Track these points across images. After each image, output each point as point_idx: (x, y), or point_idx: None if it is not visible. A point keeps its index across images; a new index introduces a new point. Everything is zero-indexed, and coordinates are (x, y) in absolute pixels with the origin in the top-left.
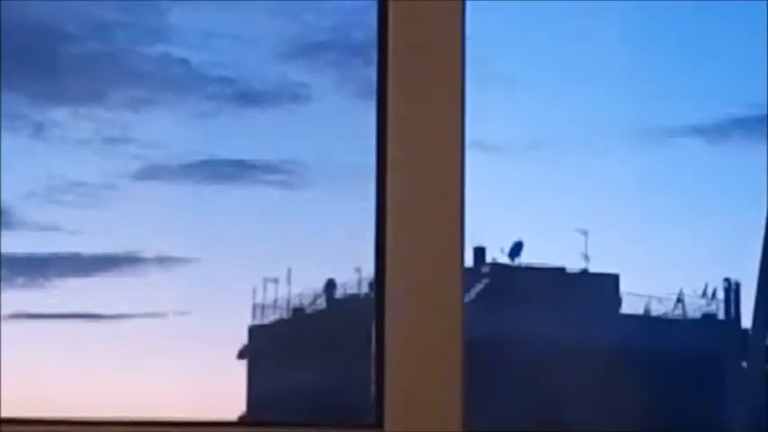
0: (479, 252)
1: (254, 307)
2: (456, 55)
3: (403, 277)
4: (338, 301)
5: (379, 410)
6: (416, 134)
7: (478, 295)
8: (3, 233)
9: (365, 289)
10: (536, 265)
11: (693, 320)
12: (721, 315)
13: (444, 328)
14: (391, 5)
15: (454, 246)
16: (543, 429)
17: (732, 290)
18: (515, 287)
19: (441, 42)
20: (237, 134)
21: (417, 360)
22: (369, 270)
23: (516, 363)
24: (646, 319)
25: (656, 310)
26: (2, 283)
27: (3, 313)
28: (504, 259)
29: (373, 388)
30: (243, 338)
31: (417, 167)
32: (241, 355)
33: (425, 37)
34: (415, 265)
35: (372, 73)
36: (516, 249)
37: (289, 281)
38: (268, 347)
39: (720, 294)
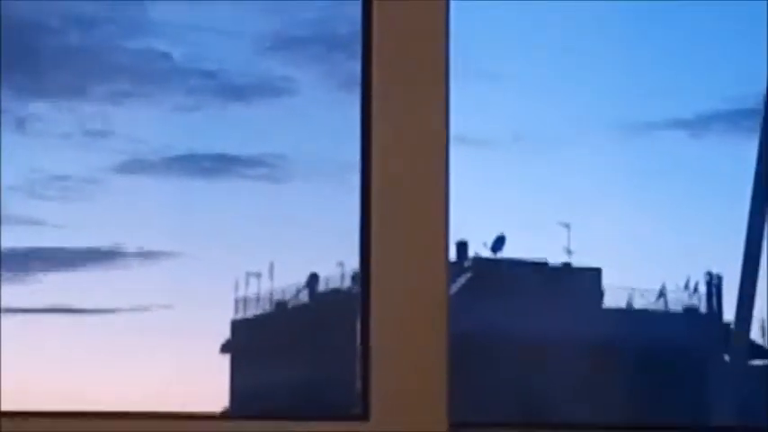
0: (462, 246)
1: (237, 301)
2: (440, 48)
3: (388, 270)
4: (321, 294)
5: (365, 403)
6: (400, 128)
7: (461, 289)
8: None
9: (348, 283)
10: (519, 259)
11: (675, 314)
12: (703, 308)
13: (429, 320)
14: (375, 14)
15: (439, 239)
16: (527, 421)
17: (714, 283)
18: (498, 281)
19: (424, 35)
20: (220, 128)
21: (403, 352)
22: (352, 264)
23: (498, 356)
24: (628, 313)
25: (639, 303)
26: None
27: None
28: (486, 253)
29: (359, 380)
30: (226, 332)
31: (402, 161)
32: (224, 348)
33: (409, 30)
34: (400, 259)
35: (356, 66)
36: (499, 243)
37: (271, 275)
38: (251, 341)
39: (702, 288)
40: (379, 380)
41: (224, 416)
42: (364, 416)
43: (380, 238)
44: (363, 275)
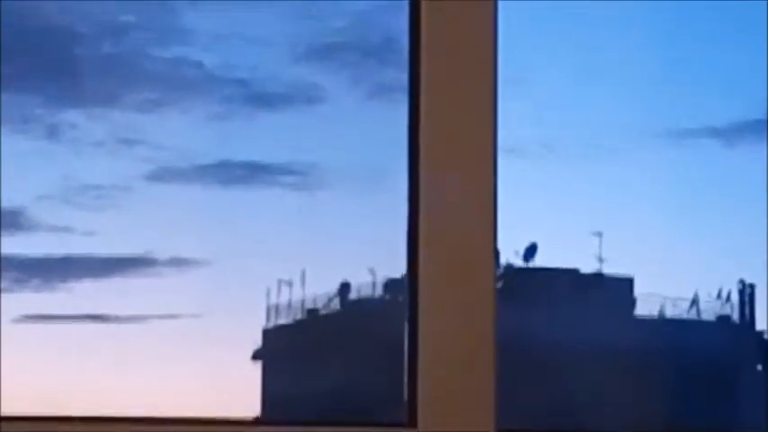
0: (494, 255)
1: (269, 309)
2: (488, 56)
3: (436, 278)
4: (352, 302)
5: (412, 410)
6: (449, 134)
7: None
8: (17, 235)
9: (379, 291)
10: (550, 268)
11: (708, 323)
12: (736, 317)
13: (476, 328)
14: (423, 4)
15: (487, 247)
16: (569, 430)
17: (747, 292)
18: (530, 290)
19: (472, 41)
20: (251, 136)
21: (450, 359)
22: (383, 272)
23: (530, 364)
24: (660, 322)
25: (671, 312)
26: (15, 285)
27: (16, 315)
28: (518, 262)
29: (406, 388)
30: (257, 340)
31: (450, 167)
32: (255, 356)
33: (457, 36)
34: (447, 266)
35: (386, 74)
36: (530, 252)
37: (303, 283)
38: (282, 349)
39: (735, 297)
40: (426, 387)
41: (274, 421)
42: (411, 423)
43: (428, 248)
44: (411, 284)
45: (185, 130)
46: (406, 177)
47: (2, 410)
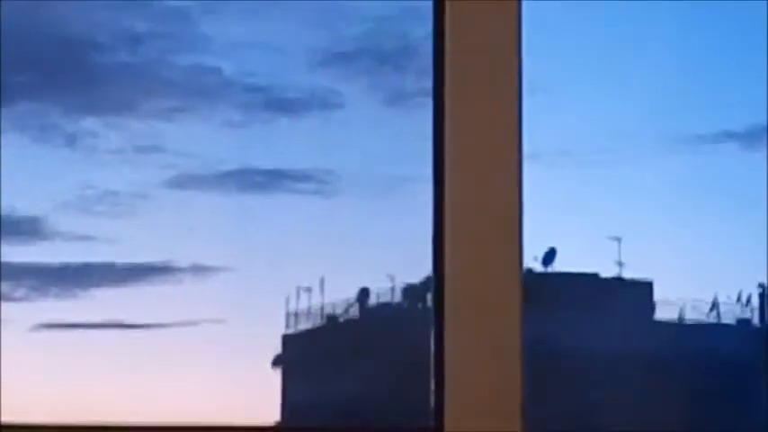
0: (520, 258)
1: (288, 315)
2: (512, 59)
3: (462, 283)
4: (371, 308)
5: (439, 415)
6: (474, 139)
7: None
8: (37, 244)
9: (398, 297)
10: (569, 272)
11: (728, 326)
12: (756, 321)
13: (503, 333)
14: (448, 7)
15: (513, 251)
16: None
17: (766, 295)
18: (549, 294)
19: (496, 45)
20: (270, 142)
21: (477, 364)
22: (402, 278)
23: (550, 369)
24: (680, 325)
25: (691, 316)
26: (35, 294)
27: (37, 323)
28: (537, 267)
29: (432, 394)
30: (277, 347)
31: (475, 172)
32: (275, 363)
33: (481, 39)
34: (473, 271)
35: (402, 81)
36: (549, 257)
37: (322, 289)
38: (302, 356)
39: (755, 300)
40: (452, 392)
41: (305, 428)
42: (438, 428)
43: (454, 251)
44: (437, 290)
45: (204, 137)
46: (424, 183)
47: (20, 418)
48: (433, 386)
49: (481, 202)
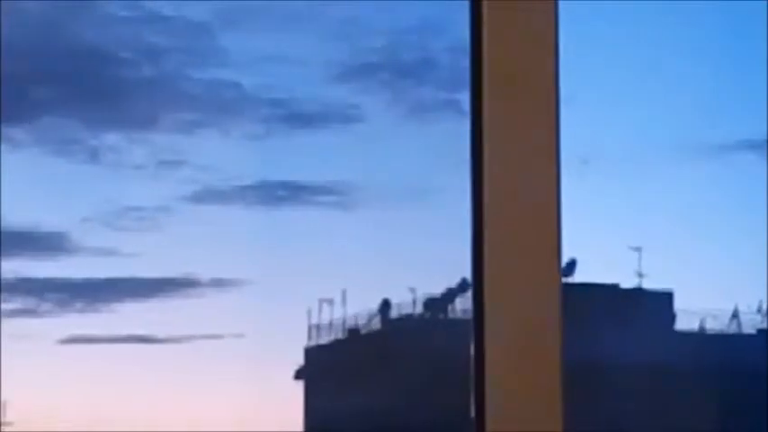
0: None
1: (310, 328)
2: (550, 63)
3: (501, 294)
4: (393, 321)
5: (480, 427)
6: (512, 148)
7: None
8: (62, 258)
9: (420, 309)
10: (590, 283)
11: (750, 336)
12: None
13: (543, 343)
14: (486, 33)
15: (552, 262)
16: None
17: None
18: (570, 305)
19: (535, 50)
20: (290, 156)
21: (517, 377)
22: (423, 290)
23: (570, 379)
24: (701, 336)
25: (711, 326)
26: (59, 308)
27: (61, 337)
28: None
29: (473, 405)
30: (299, 359)
31: (514, 181)
32: (298, 375)
33: (519, 65)
34: (513, 283)
35: (423, 93)
36: (570, 268)
37: (344, 302)
38: (324, 368)
39: None
40: (494, 403)
41: None
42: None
43: (494, 263)
44: (476, 300)
45: (224, 151)
46: (444, 195)
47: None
48: (473, 395)
49: (520, 207)
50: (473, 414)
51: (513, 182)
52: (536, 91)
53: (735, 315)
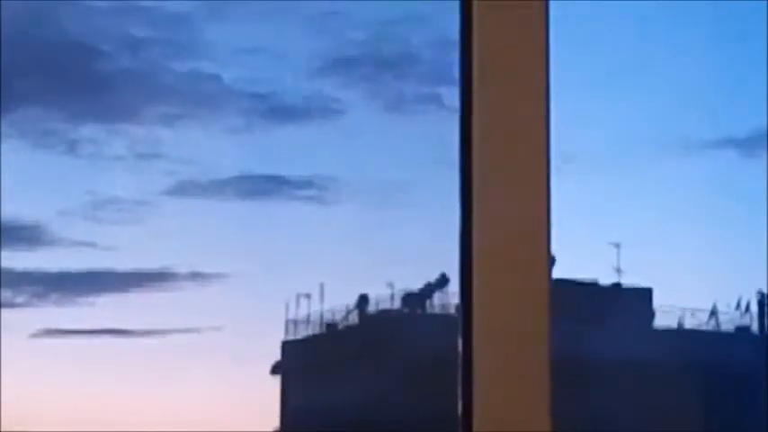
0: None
1: (288, 322)
2: (540, 65)
3: (490, 287)
4: (371, 315)
5: (467, 424)
6: (502, 146)
7: None
8: (38, 250)
9: (398, 304)
10: (569, 279)
11: (727, 333)
12: (755, 328)
13: (531, 340)
14: (475, 30)
15: (540, 252)
16: None
17: (765, 303)
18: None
19: (525, 46)
20: (270, 149)
21: (505, 372)
22: (401, 285)
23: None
24: (679, 333)
25: (690, 323)
26: (36, 300)
27: (37, 329)
28: None
29: (460, 401)
30: (276, 354)
31: (504, 181)
32: (275, 370)
33: (509, 63)
34: (501, 283)
35: (403, 86)
36: (549, 264)
37: (321, 296)
38: (301, 362)
39: (754, 307)
40: (481, 400)
41: None
42: (467, 429)
43: (482, 259)
44: (464, 300)
45: (204, 144)
46: (423, 189)
47: (19, 425)
48: (460, 392)
49: (509, 206)
50: (460, 414)
51: (501, 181)
52: (526, 89)
53: (713, 312)
